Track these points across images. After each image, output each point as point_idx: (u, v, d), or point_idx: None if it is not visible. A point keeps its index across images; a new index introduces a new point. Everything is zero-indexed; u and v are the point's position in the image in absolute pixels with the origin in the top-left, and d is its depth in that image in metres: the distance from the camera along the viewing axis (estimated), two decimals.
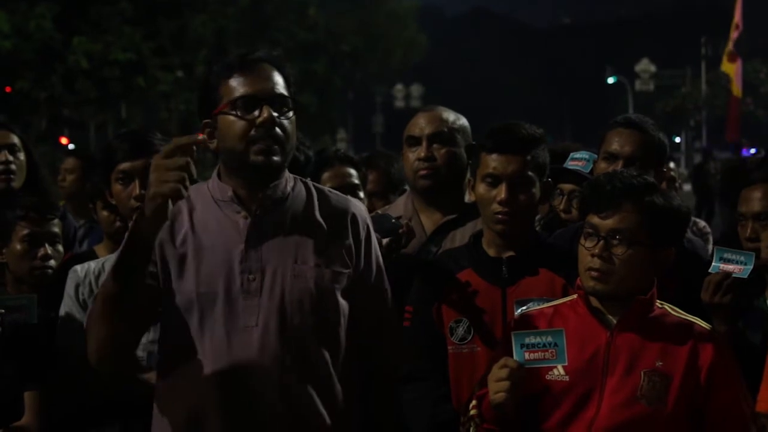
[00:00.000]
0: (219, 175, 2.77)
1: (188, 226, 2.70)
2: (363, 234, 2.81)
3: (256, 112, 2.63)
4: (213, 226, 2.70)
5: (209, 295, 2.64)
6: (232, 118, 2.65)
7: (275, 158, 2.65)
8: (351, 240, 2.77)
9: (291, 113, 2.69)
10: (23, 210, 3.60)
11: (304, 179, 2.86)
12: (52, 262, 3.61)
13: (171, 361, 2.71)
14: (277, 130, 2.65)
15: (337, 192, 2.90)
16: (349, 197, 2.89)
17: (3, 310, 3.28)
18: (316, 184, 2.87)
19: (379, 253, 2.89)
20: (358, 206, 2.87)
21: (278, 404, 2.63)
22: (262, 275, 2.65)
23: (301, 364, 2.65)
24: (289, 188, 2.76)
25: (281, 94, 2.67)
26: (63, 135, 27.54)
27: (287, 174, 2.78)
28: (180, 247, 2.68)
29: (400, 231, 3.37)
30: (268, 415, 2.62)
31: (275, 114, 2.64)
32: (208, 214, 2.72)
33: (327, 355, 2.69)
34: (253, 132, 2.63)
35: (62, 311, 3.39)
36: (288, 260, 2.67)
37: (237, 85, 2.66)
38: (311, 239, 2.71)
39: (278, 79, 2.69)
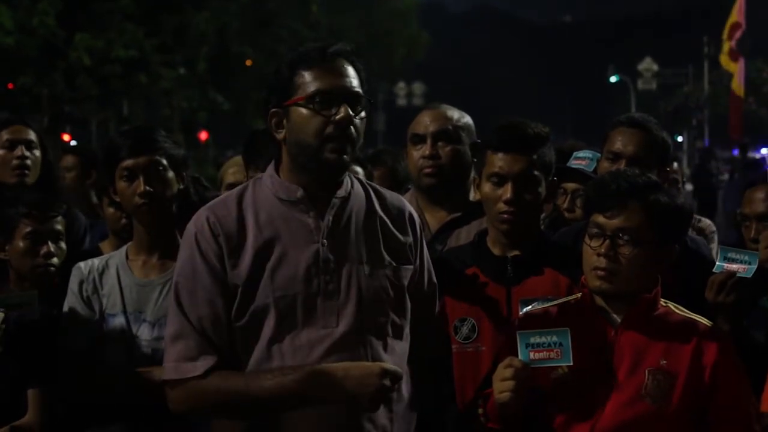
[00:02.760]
0: (277, 172, 2.73)
1: (256, 230, 2.65)
2: (419, 231, 2.84)
3: (334, 110, 2.60)
4: (281, 227, 2.66)
5: (287, 298, 2.61)
6: (307, 111, 2.61)
7: (346, 157, 2.63)
8: (411, 237, 2.79)
9: (364, 113, 2.67)
10: (26, 207, 3.60)
11: (357, 177, 2.85)
12: (55, 260, 3.60)
13: (247, 364, 2.65)
14: (352, 129, 2.62)
15: (388, 190, 2.90)
16: (400, 196, 2.91)
17: (3, 309, 3.28)
18: (369, 182, 2.87)
19: (428, 253, 2.90)
20: (409, 205, 2.88)
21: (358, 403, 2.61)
22: (339, 275, 2.64)
23: (380, 361, 2.63)
24: (349, 186, 2.75)
25: (358, 93, 2.65)
26: (65, 132, 27.54)
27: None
28: (251, 254, 2.63)
29: None
30: (353, 413, 2.61)
31: (351, 113, 2.62)
32: (273, 215, 2.67)
33: (400, 350, 2.71)
34: (329, 129, 2.60)
35: (66, 308, 3.38)
36: (361, 259, 2.67)
37: (315, 79, 2.62)
38: (379, 237, 2.72)
39: (355, 76, 2.67)
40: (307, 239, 2.65)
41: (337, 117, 2.59)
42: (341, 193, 2.71)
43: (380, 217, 2.75)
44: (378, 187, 2.87)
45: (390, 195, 2.85)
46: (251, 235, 2.65)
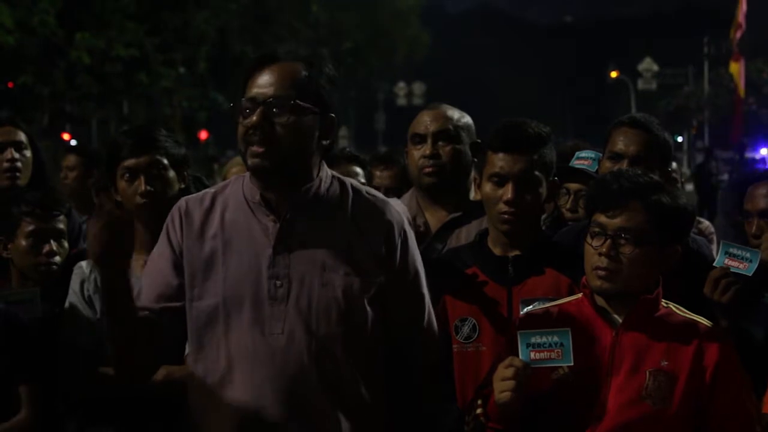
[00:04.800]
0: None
1: (219, 227, 2.69)
2: (398, 240, 2.74)
3: (249, 116, 2.62)
4: (243, 228, 2.68)
5: (235, 300, 2.62)
6: (239, 121, 2.65)
7: (265, 162, 2.61)
8: (384, 246, 2.71)
9: (293, 115, 2.61)
10: (29, 206, 3.60)
11: (342, 178, 2.81)
12: (57, 259, 3.61)
13: (198, 364, 2.69)
14: (268, 133, 2.60)
15: (377, 193, 2.85)
16: (387, 200, 2.85)
17: (1, 305, 3.29)
18: (356, 184, 2.82)
19: (418, 258, 2.83)
20: (395, 210, 2.81)
21: (303, 413, 2.61)
22: (290, 282, 2.63)
23: (326, 372, 2.62)
24: (323, 189, 2.72)
25: (278, 96, 2.61)
26: (65, 130, 27.54)
27: (323, 174, 2.74)
28: (209, 248, 2.67)
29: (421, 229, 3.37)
30: (292, 424, 2.60)
31: (273, 115, 2.60)
32: (239, 215, 2.70)
33: (353, 362, 2.66)
34: (248, 136, 2.62)
35: (67, 307, 3.39)
36: (317, 267, 2.64)
37: (248, 87, 2.66)
38: (341, 246, 2.67)
39: (289, 78, 2.63)
40: (264, 242, 2.65)
41: (245, 123, 2.62)
42: (305, 197, 2.68)
43: (348, 224, 2.70)
44: (364, 190, 2.81)
45: (375, 200, 2.78)
46: (212, 231, 2.69)
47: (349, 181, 2.82)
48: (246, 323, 2.61)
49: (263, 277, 2.63)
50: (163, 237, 2.75)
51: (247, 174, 2.74)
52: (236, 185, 2.76)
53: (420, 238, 3.51)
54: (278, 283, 2.62)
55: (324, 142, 2.71)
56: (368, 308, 2.68)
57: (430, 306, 2.87)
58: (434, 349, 2.88)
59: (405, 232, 2.78)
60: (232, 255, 2.65)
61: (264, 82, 2.63)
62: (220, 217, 2.70)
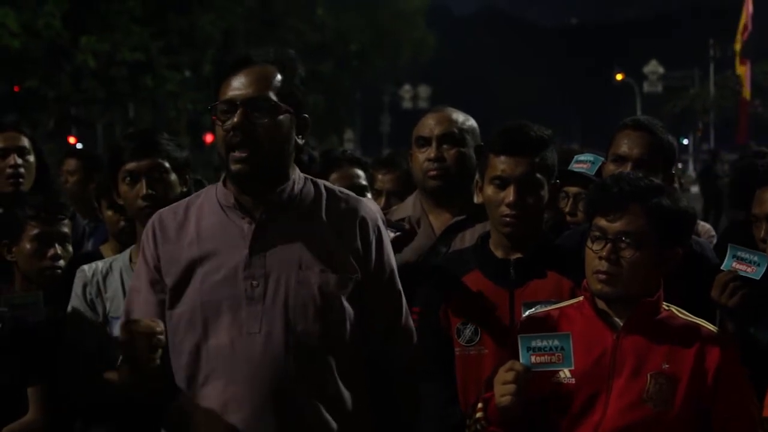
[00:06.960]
0: (224, 180, 2.76)
1: (194, 234, 2.70)
2: (373, 236, 2.76)
3: (231, 118, 2.62)
4: (218, 232, 2.69)
5: (213, 302, 2.64)
6: (217, 124, 2.65)
7: (248, 167, 2.62)
8: (359, 243, 2.72)
9: (273, 115, 2.63)
10: (34, 210, 3.61)
11: (315, 180, 2.83)
12: (62, 262, 3.62)
13: (179, 368, 2.70)
14: (250, 134, 2.61)
15: (350, 193, 2.86)
16: (361, 199, 2.86)
17: (5, 309, 3.30)
18: (328, 185, 2.83)
19: (392, 255, 2.84)
20: (369, 208, 2.82)
21: (283, 411, 2.61)
22: (266, 281, 2.64)
23: (305, 370, 2.63)
24: (297, 190, 2.73)
25: (257, 97, 2.62)
26: (71, 134, 27.58)
27: (296, 175, 2.75)
28: (186, 257, 2.68)
29: (407, 227, 3.37)
30: (273, 422, 2.61)
31: (253, 116, 2.60)
32: (214, 220, 2.71)
33: (333, 360, 2.67)
34: (228, 138, 2.62)
35: (69, 311, 3.40)
36: (292, 266, 2.65)
37: (223, 90, 2.66)
38: (317, 244, 2.68)
39: (265, 80, 2.64)
40: (240, 244, 2.66)
41: (226, 125, 2.62)
42: (280, 198, 2.69)
43: (323, 222, 2.71)
44: (336, 190, 2.82)
45: (347, 199, 2.79)
46: (188, 240, 2.70)
47: (321, 181, 2.84)
48: (224, 324, 2.63)
49: (239, 279, 2.64)
50: (140, 255, 2.78)
51: (221, 181, 2.76)
52: (210, 192, 2.78)
53: (424, 242, 3.52)
54: (254, 283, 2.64)
55: (299, 143, 2.73)
56: (346, 305, 2.69)
57: (406, 305, 2.88)
58: (412, 347, 2.88)
59: (379, 229, 2.79)
60: (208, 260, 2.67)
61: (241, 84, 2.64)
62: (195, 225, 2.71)
